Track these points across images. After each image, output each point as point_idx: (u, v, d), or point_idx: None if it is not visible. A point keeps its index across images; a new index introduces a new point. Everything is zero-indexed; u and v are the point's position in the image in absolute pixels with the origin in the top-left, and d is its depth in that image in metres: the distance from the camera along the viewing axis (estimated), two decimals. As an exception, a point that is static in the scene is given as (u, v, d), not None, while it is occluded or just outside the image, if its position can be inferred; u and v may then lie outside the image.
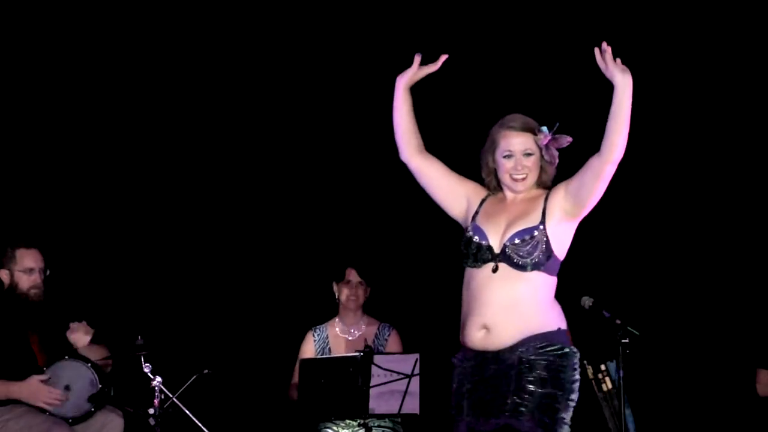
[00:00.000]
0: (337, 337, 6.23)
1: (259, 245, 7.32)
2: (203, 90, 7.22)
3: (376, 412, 5.51)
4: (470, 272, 4.25)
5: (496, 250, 4.20)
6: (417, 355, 5.52)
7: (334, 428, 5.90)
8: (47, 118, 7.12)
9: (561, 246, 4.25)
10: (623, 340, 5.41)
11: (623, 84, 4.07)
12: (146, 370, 5.76)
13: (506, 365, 4.14)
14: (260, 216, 7.34)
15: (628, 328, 5.46)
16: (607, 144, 4.13)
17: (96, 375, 5.74)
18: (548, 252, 4.19)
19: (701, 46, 6.93)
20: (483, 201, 4.39)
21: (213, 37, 7.17)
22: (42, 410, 5.64)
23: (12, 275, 5.87)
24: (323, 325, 6.30)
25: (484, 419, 4.16)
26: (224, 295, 7.23)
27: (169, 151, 7.24)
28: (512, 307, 4.16)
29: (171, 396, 5.78)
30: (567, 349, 4.17)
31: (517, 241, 4.18)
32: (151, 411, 5.73)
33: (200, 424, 5.78)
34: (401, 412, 5.49)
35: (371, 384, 5.48)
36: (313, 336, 6.28)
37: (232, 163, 7.32)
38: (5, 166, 7.06)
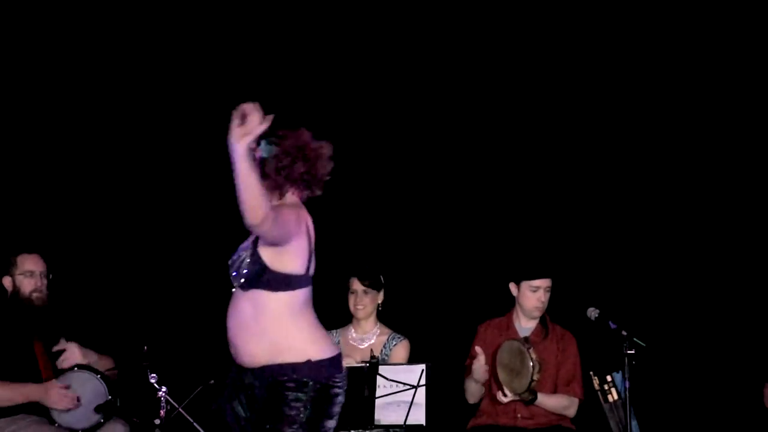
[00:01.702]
0: (348, 345, 6.21)
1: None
2: (195, 106, 7.23)
3: (382, 422, 5.50)
4: None
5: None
6: (423, 366, 5.51)
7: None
8: (47, 123, 7.13)
9: (278, 260, 4.22)
10: (629, 351, 5.41)
11: (232, 151, 3.92)
12: (152, 380, 5.78)
13: (251, 389, 4.32)
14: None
15: (634, 339, 5.46)
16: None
17: (105, 385, 5.74)
18: (259, 267, 4.20)
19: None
20: None
21: (211, 37, 7.19)
22: (51, 422, 5.65)
23: (14, 281, 5.90)
24: (338, 330, 6.27)
25: None
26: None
27: (175, 159, 7.25)
28: (241, 326, 4.29)
29: (177, 406, 5.78)
30: (309, 382, 4.22)
31: (230, 260, 4.30)
32: (157, 421, 5.74)
33: (206, 435, 5.79)
34: (407, 422, 5.48)
35: (377, 395, 5.48)
36: (327, 340, 6.25)
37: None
38: (7, 173, 7.07)
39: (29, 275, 5.90)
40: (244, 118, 3.90)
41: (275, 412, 4.18)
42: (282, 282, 4.23)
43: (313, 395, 4.20)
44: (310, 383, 4.19)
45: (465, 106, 7.14)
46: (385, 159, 7.29)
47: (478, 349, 5.88)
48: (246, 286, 4.26)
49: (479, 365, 5.84)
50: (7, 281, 5.93)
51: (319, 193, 4.45)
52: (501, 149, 7.23)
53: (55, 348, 5.80)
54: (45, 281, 5.92)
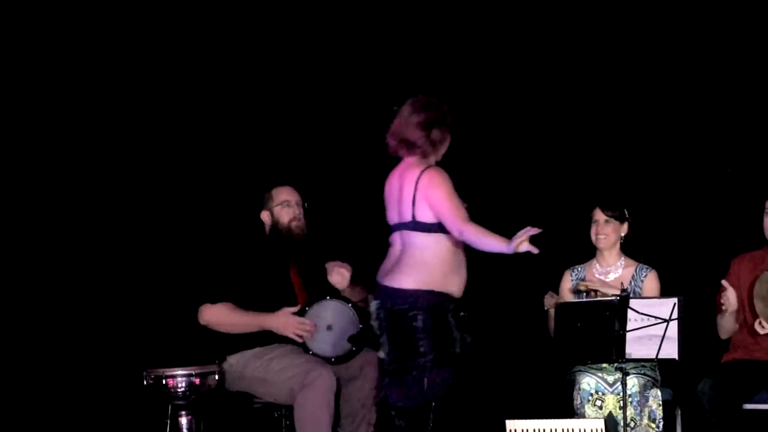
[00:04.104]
0: (593, 278, 6.14)
1: (513, 186, 7.31)
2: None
3: (633, 356, 5.43)
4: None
5: None
6: (675, 299, 5.40)
7: (590, 372, 5.85)
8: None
9: None
10: None
11: None
12: (403, 311, 5.84)
13: None
14: (512, 157, 7.32)
15: None
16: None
17: (357, 315, 5.86)
18: None
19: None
20: None
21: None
22: (305, 350, 5.81)
23: (272, 213, 6.05)
24: (582, 265, 6.21)
25: None
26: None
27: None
28: None
29: (428, 338, 5.83)
30: None
31: None
32: (408, 352, 5.81)
33: (456, 366, 5.83)
34: (659, 356, 5.40)
35: (628, 328, 5.42)
36: (571, 276, 6.22)
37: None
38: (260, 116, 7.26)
39: (286, 205, 6.02)
40: None
41: None
42: None
43: None
44: None
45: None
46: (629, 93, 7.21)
47: (724, 282, 5.75)
48: None
49: (729, 298, 5.72)
50: (265, 215, 6.07)
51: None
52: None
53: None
54: (302, 210, 6.06)
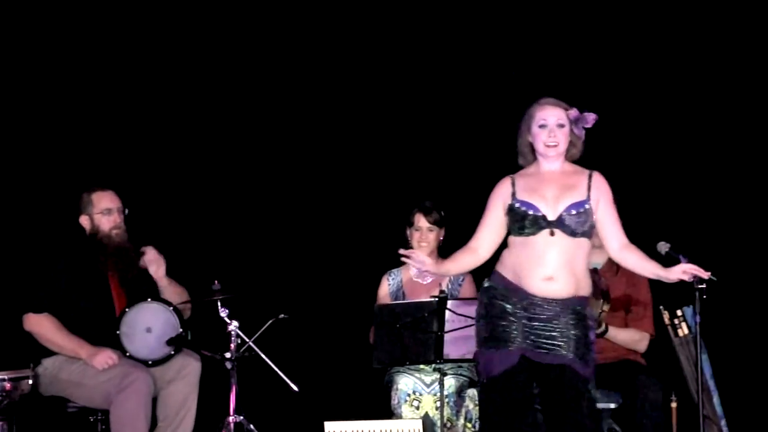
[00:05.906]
0: (411, 282, 6.21)
1: (335, 188, 7.33)
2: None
3: (451, 356, 5.52)
4: (522, 238, 4.86)
5: (551, 218, 4.81)
6: (491, 300, 5.49)
7: (408, 372, 5.91)
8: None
9: None
10: (699, 286, 5.37)
11: None
12: (223, 314, 5.81)
13: (564, 312, 4.85)
14: (336, 160, 7.33)
15: (705, 273, 5.43)
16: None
17: (177, 318, 5.80)
18: (593, 223, 4.88)
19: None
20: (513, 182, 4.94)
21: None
22: (123, 353, 5.72)
23: (92, 219, 5.92)
24: (398, 269, 6.27)
25: (542, 353, 4.82)
26: (300, 240, 7.25)
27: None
28: (566, 264, 4.84)
29: (247, 340, 5.82)
30: None
31: (573, 212, 4.81)
32: (228, 355, 5.78)
33: (276, 369, 5.82)
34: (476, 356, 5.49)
35: (446, 329, 5.49)
36: (388, 280, 6.26)
37: (308, 112, 7.35)
38: (77, 112, 7.11)
39: (107, 213, 5.92)
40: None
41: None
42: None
43: None
44: None
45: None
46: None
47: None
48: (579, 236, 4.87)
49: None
50: (84, 220, 5.95)
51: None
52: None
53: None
54: (122, 217, 5.95)
